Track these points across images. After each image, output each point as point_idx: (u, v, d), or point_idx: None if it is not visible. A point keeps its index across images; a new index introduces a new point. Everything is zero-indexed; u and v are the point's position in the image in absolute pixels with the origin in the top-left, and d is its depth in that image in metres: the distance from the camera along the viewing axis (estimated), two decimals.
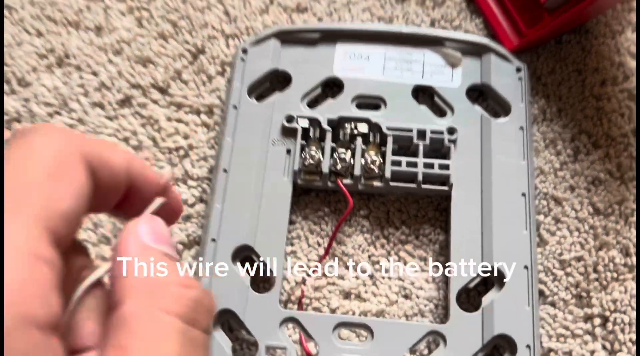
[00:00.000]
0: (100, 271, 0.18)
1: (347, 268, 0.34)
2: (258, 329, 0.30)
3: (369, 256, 0.34)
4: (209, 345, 0.17)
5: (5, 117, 0.37)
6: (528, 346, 0.30)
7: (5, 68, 0.38)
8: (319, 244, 0.34)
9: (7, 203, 0.16)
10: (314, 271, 0.33)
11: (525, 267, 0.31)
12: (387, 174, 0.33)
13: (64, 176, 0.17)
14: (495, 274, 0.31)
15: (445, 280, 0.33)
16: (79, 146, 0.18)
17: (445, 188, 0.33)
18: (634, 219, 0.34)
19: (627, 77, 0.37)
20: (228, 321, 0.32)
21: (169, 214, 0.20)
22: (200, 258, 0.32)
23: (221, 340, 0.30)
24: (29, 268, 0.15)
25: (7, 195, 0.16)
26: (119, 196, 0.19)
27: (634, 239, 0.33)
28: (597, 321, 0.32)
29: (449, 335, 0.30)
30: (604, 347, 0.32)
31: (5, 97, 0.38)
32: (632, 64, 0.37)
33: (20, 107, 0.38)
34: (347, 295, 0.33)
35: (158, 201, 0.20)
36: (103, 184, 0.18)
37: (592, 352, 0.32)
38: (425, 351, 0.32)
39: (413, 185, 0.33)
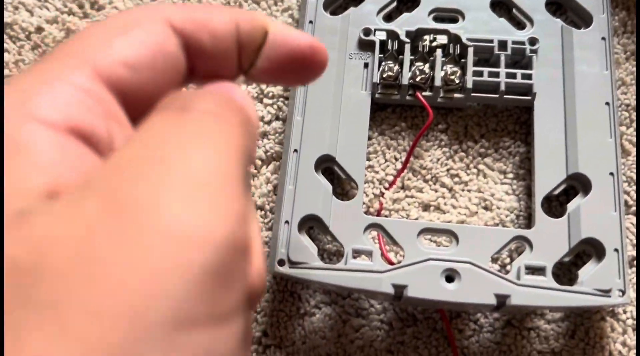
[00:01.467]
0: None
1: (425, 181, 0.34)
2: (343, 234, 0.30)
3: (448, 170, 0.34)
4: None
5: None
6: (616, 250, 0.29)
7: None
8: (396, 159, 0.34)
9: (56, 54, 0.15)
10: (391, 185, 0.34)
11: (611, 174, 0.31)
12: (469, 84, 0.33)
13: (134, 30, 0.16)
14: (580, 182, 0.31)
15: (526, 192, 0.33)
16: (164, 12, 0.17)
17: (528, 97, 0.33)
18: None
19: None
20: (310, 229, 0.32)
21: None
22: (283, 170, 0.32)
23: (309, 244, 0.30)
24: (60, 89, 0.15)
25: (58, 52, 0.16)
26: (232, 60, 0.18)
27: None
28: None
29: (534, 240, 0.30)
30: None
31: (78, 21, 0.38)
32: None
33: None
34: (426, 207, 0.33)
35: None
36: (204, 46, 0.17)
37: None
38: (508, 261, 0.32)
39: (495, 95, 0.33)
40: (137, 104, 0.16)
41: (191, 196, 0.13)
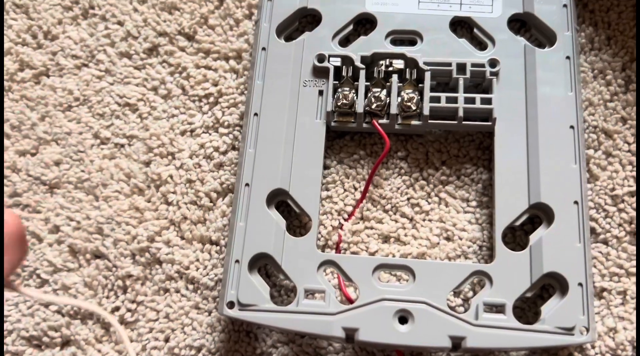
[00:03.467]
0: None
1: (385, 211, 0.33)
2: (296, 273, 0.29)
3: (408, 199, 0.33)
4: None
5: (34, 71, 0.37)
6: (580, 284, 0.28)
7: (31, 22, 0.38)
8: (355, 188, 0.33)
9: None
10: (350, 216, 0.32)
11: (575, 202, 0.29)
12: (426, 111, 0.31)
13: None
14: (544, 211, 0.30)
15: (490, 220, 0.31)
16: None
17: (488, 123, 0.31)
18: None
19: None
20: (265, 266, 0.31)
21: None
22: (234, 205, 0.31)
23: (259, 284, 0.29)
24: None
25: None
26: None
27: None
28: None
29: (495, 275, 0.29)
30: None
31: (32, 52, 0.37)
32: None
33: (48, 61, 0.37)
34: (386, 239, 0.32)
35: None
36: None
37: None
38: (470, 294, 0.31)
39: (454, 122, 0.31)
40: None
41: None
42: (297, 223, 0.32)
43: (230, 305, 0.29)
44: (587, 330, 0.27)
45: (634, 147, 0.32)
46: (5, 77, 0.37)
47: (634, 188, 0.31)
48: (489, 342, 0.27)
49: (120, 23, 0.37)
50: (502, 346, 0.27)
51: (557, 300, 0.28)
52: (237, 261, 0.30)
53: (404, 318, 0.27)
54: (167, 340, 0.32)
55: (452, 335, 0.27)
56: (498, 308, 0.28)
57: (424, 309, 0.27)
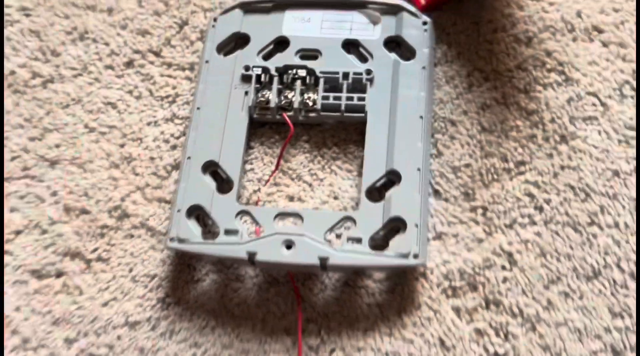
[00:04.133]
0: None
1: (291, 179, 0.45)
2: (220, 218, 0.41)
3: (309, 170, 0.45)
4: None
5: (40, 79, 0.50)
6: (416, 225, 0.40)
7: (41, 43, 0.51)
8: (271, 163, 0.45)
9: None
10: (267, 182, 0.44)
11: (418, 169, 0.41)
12: (319, 106, 0.44)
13: None
14: (395, 175, 0.42)
15: (359, 185, 0.43)
16: None
17: (362, 114, 0.43)
18: (512, 133, 0.43)
19: (514, 24, 0.46)
20: (198, 214, 0.43)
21: None
22: (180, 171, 0.43)
23: (193, 226, 0.41)
24: None
25: None
26: None
27: (512, 149, 0.43)
28: (480, 211, 0.42)
29: (358, 218, 0.40)
30: (484, 230, 0.42)
31: (41, 65, 0.50)
32: (519, 14, 0.46)
33: (53, 72, 0.50)
34: (291, 198, 0.44)
35: None
36: None
37: (474, 234, 0.41)
38: (342, 232, 0.42)
39: (338, 113, 0.44)
40: None
41: None
42: (225, 187, 0.44)
43: (172, 240, 0.41)
44: (417, 256, 0.39)
45: (471, 132, 0.44)
46: (21, 83, 0.50)
47: (468, 162, 0.43)
48: (346, 261, 0.38)
49: (107, 43, 0.50)
50: (355, 264, 0.39)
51: (399, 236, 0.40)
52: (179, 210, 0.42)
53: (289, 245, 0.39)
54: (130, 271, 0.44)
55: (320, 256, 0.38)
56: (357, 241, 0.40)
57: (303, 239, 0.39)
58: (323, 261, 0.39)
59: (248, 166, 0.45)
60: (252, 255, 0.39)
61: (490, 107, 0.44)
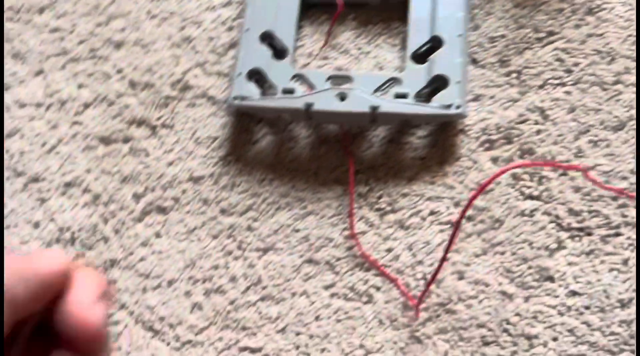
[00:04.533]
0: None
1: (339, 52, 0.49)
2: (277, 79, 0.45)
3: (355, 45, 0.49)
4: None
5: None
6: (458, 82, 0.44)
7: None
8: (320, 40, 0.49)
9: None
10: (316, 56, 0.49)
11: (459, 35, 0.45)
12: None
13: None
14: (438, 41, 0.46)
15: (405, 51, 0.47)
16: None
17: None
18: (543, 7, 0.47)
19: None
20: (257, 79, 0.47)
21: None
22: (239, 43, 0.47)
23: (252, 87, 0.45)
24: None
25: None
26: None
27: (543, 21, 0.47)
28: (514, 74, 0.46)
29: (403, 78, 0.44)
30: (518, 92, 0.45)
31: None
32: None
33: None
34: (339, 69, 0.48)
35: None
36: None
37: (509, 94, 0.45)
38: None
39: None
40: None
41: None
42: (281, 55, 0.48)
43: (234, 98, 0.45)
44: (459, 107, 0.43)
45: (505, 7, 0.48)
46: None
47: (503, 33, 0.47)
48: (394, 109, 0.43)
49: None
50: (403, 112, 0.43)
51: (443, 92, 0.44)
52: (239, 73, 0.46)
53: (342, 97, 0.43)
54: (193, 134, 0.48)
55: (371, 105, 0.43)
56: (404, 96, 0.44)
57: (355, 92, 0.43)
58: (374, 109, 0.43)
59: (299, 43, 0.49)
60: (308, 106, 0.43)
61: None
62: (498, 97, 0.46)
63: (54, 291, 0.21)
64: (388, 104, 0.43)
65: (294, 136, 0.47)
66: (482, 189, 0.35)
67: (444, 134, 0.45)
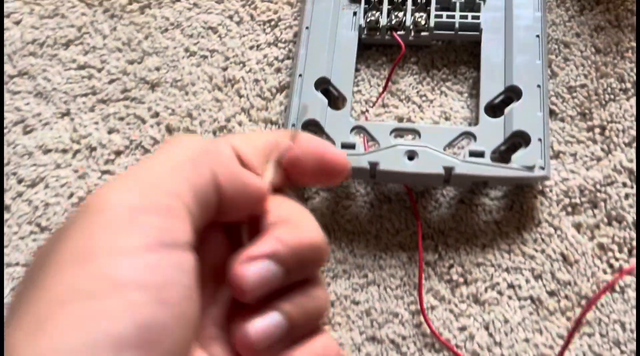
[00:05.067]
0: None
1: (400, 100, 0.44)
2: (335, 133, 0.41)
3: (417, 92, 0.44)
4: None
5: (137, 4, 0.49)
6: (539, 139, 0.39)
7: None
8: (379, 85, 0.45)
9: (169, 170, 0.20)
10: (374, 104, 0.44)
11: (538, 86, 0.41)
12: (432, 24, 0.43)
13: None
14: (515, 92, 0.41)
15: (477, 102, 0.43)
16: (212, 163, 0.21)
17: (476, 33, 0.43)
18: (628, 54, 0.43)
19: None
20: (313, 130, 0.43)
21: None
22: (291, 89, 0.43)
23: None
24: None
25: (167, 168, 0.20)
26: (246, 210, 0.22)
27: (628, 69, 0.42)
28: (597, 130, 0.41)
29: (478, 133, 0.40)
30: (602, 149, 0.41)
31: None
32: None
33: None
34: (400, 119, 0.44)
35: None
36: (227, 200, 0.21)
37: (593, 152, 0.41)
38: (460, 151, 0.42)
39: (452, 32, 0.43)
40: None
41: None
42: (334, 106, 0.44)
43: None
44: (543, 168, 0.38)
45: (585, 54, 0.43)
46: (118, 8, 0.50)
47: (584, 82, 0.42)
48: (471, 170, 0.38)
49: None
50: (480, 174, 0.38)
51: (523, 150, 0.39)
52: (293, 125, 0.41)
53: (411, 156, 0.39)
54: None
55: (445, 166, 0.38)
56: (480, 155, 0.39)
57: (426, 150, 0.39)
58: (448, 170, 0.38)
59: (355, 88, 0.45)
60: (373, 165, 0.39)
61: (604, 29, 0.44)
62: (580, 155, 0.41)
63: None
64: (464, 165, 0.38)
65: (352, 192, 0.42)
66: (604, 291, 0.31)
67: (521, 196, 0.41)
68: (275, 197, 0.23)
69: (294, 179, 0.24)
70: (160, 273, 0.18)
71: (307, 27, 0.44)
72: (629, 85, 0.42)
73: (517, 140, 0.40)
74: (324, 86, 0.43)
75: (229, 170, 0.21)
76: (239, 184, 0.21)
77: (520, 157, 0.39)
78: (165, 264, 0.18)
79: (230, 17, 0.48)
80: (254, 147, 0.22)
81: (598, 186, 0.40)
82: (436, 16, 0.43)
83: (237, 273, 0.20)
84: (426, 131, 0.41)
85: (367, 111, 0.44)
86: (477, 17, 0.43)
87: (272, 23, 0.48)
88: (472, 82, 0.44)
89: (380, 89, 0.44)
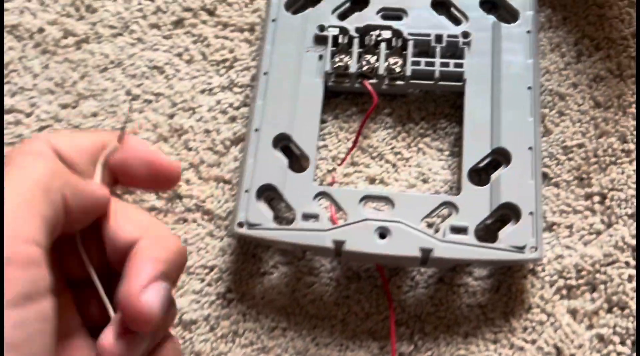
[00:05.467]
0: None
1: (372, 157, 0.38)
2: (295, 201, 0.35)
3: (392, 148, 0.39)
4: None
5: (73, 39, 0.43)
6: (531, 213, 0.34)
7: None
8: (348, 139, 0.39)
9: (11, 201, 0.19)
10: (343, 161, 0.38)
11: (530, 148, 0.35)
12: (408, 72, 0.37)
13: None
14: (503, 155, 0.36)
15: (460, 165, 0.37)
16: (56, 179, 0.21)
17: (459, 83, 0.37)
18: (631, 110, 0.37)
19: None
20: (270, 200, 0.37)
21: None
22: (246, 146, 0.37)
23: (264, 209, 0.35)
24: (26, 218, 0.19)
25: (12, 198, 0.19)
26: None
27: (631, 128, 0.37)
28: (597, 198, 0.36)
29: (460, 205, 0.34)
30: (602, 221, 0.36)
31: (75, 22, 0.44)
32: None
33: (88, 30, 0.43)
34: (372, 180, 0.38)
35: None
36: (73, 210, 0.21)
37: (591, 225, 0.36)
38: (440, 222, 0.36)
39: (431, 82, 0.37)
40: None
41: None
42: (296, 166, 0.38)
43: (240, 225, 0.34)
44: (535, 248, 0.33)
45: (582, 107, 0.38)
46: (51, 43, 0.43)
47: (581, 141, 0.37)
48: (452, 254, 0.32)
49: None
50: (463, 258, 0.33)
51: (512, 226, 0.34)
52: (246, 190, 0.35)
53: (383, 234, 0.33)
54: (188, 271, 0.37)
55: (422, 247, 0.32)
56: (462, 231, 0.34)
57: (400, 227, 0.33)
58: (425, 253, 0.32)
59: (321, 142, 0.39)
60: (339, 244, 0.33)
61: (604, 79, 0.38)
62: (577, 228, 0.36)
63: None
64: (443, 246, 0.33)
65: (315, 267, 0.36)
66: None
67: (509, 276, 0.35)
68: (113, 200, 0.23)
69: (122, 182, 0.24)
70: (26, 330, 0.18)
71: (265, 73, 0.38)
72: (632, 145, 0.37)
73: (506, 213, 0.35)
74: (283, 143, 0.37)
75: (74, 187, 0.21)
76: (84, 197, 0.21)
77: (508, 235, 0.33)
78: (31, 319, 0.18)
79: (179, 55, 0.42)
80: (78, 148, 0.23)
81: (597, 266, 0.35)
82: (413, 63, 0.38)
83: (139, 305, 0.20)
84: (401, 199, 0.35)
85: (334, 170, 0.38)
86: (460, 65, 0.37)
87: (227, 63, 0.42)
88: (453, 138, 0.38)
89: (350, 145, 0.39)
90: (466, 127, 0.36)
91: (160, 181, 0.24)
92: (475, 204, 0.34)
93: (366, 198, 0.35)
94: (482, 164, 0.36)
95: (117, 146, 0.23)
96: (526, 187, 0.34)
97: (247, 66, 0.41)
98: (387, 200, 0.35)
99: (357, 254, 0.33)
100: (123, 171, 0.24)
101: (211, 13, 0.43)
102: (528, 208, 0.34)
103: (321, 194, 0.36)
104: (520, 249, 0.33)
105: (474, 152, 0.36)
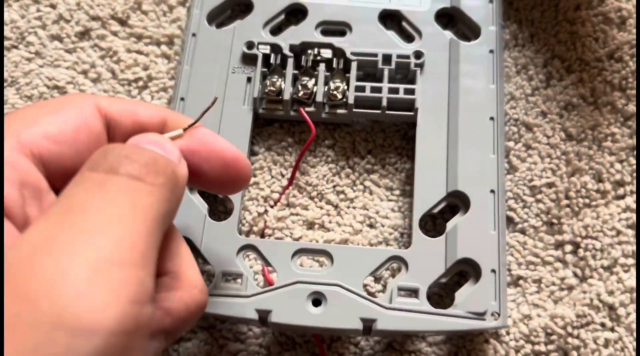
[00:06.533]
0: None
1: (310, 198, 0.33)
2: (215, 257, 0.29)
3: (334, 187, 0.33)
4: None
5: None
6: (493, 270, 0.29)
7: None
8: (282, 175, 0.33)
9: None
10: (276, 202, 0.32)
11: (492, 191, 0.30)
12: (351, 100, 0.32)
13: (62, 109, 0.20)
14: (461, 200, 0.30)
15: (411, 211, 0.32)
16: (94, 98, 0.21)
17: (410, 113, 0.32)
18: (607, 143, 0.32)
19: (602, 0, 0.35)
20: None
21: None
22: None
23: None
24: None
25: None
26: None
27: (607, 165, 0.32)
28: (568, 247, 0.31)
29: (410, 260, 0.29)
30: (575, 274, 0.31)
31: None
32: None
33: None
34: (311, 225, 0.32)
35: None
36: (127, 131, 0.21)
37: (563, 279, 0.31)
38: (390, 280, 0.31)
39: (378, 111, 0.32)
40: (61, 172, 0.19)
41: (90, 279, 0.15)
42: (222, 208, 0.32)
43: None
44: (499, 315, 0.28)
45: (552, 140, 0.33)
46: None
47: (551, 180, 0.32)
48: (399, 325, 0.27)
49: (53, 6, 0.37)
50: (412, 329, 0.27)
51: (471, 286, 0.29)
52: None
53: (317, 300, 0.28)
54: None
55: (363, 317, 0.27)
56: (413, 293, 0.28)
57: (337, 291, 0.28)
58: (367, 324, 0.27)
59: (251, 179, 0.33)
60: (264, 314, 0.27)
61: (576, 107, 0.33)
62: (547, 283, 0.31)
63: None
64: (389, 315, 0.27)
65: (241, 332, 0.31)
66: None
67: (469, 341, 0.30)
68: None
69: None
70: None
71: (182, 99, 0.32)
72: (608, 185, 0.32)
73: (464, 268, 0.29)
74: None
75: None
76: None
77: (466, 298, 0.28)
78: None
79: (85, 73, 0.36)
80: (133, 119, 0.21)
81: (569, 328, 0.30)
82: (357, 88, 0.32)
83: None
84: (341, 253, 0.29)
85: (266, 212, 0.32)
86: (412, 91, 0.32)
87: (141, 83, 0.35)
88: (405, 175, 0.33)
89: (285, 183, 0.33)
90: (418, 166, 0.31)
91: (233, 183, 0.23)
92: (428, 259, 0.29)
93: (300, 252, 0.30)
94: (436, 210, 0.30)
95: (181, 132, 0.22)
96: (487, 239, 0.29)
97: (164, 86, 0.35)
98: (325, 254, 0.30)
99: (287, 326, 0.28)
100: (190, 166, 0.21)
101: (123, 23, 0.36)
102: (489, 264, 0.29)
103: (246, 247, 0.30)
104: (480, 315, 0.28)
105: (427, 195, 0.30)
